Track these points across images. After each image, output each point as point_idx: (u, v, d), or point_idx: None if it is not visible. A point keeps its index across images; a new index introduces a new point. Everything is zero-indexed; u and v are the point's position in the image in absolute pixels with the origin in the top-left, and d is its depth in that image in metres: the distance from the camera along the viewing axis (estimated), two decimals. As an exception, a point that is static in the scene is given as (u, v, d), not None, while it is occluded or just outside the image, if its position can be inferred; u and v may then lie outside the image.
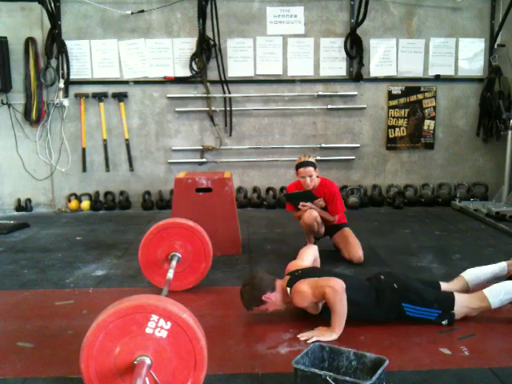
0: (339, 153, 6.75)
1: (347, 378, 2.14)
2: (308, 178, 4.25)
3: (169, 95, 6.59)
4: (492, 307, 2.95)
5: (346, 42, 6.49)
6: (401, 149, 6.83)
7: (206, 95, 6.56)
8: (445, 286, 3.18)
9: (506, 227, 5.26)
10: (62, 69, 6.43)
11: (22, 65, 6.42)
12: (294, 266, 3.27)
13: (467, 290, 3.17)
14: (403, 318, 2.98)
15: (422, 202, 6.65)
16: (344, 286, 2.82)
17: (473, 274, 3.25)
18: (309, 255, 3.44)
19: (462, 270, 4.01)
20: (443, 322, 2.94)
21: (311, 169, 4.24)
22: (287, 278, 3.11)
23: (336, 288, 2.80)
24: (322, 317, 2.98)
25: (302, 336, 2.86)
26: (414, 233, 5.32)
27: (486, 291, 2.98)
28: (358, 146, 6.76)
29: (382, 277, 3.12)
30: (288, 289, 3.02)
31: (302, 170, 4.25)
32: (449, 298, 2.99)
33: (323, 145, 6.68)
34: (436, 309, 2.94)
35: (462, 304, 2.97)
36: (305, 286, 2.93)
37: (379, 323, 3.08)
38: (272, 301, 3.02)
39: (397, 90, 6.70)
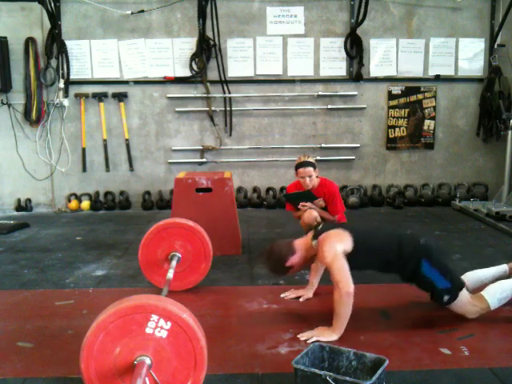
0: (339, 153, 6.75)
1: (347, 378, 2.14)
2: (307, 179, 4.25)
3: (169, 95, 6.59)
4: (491, 307, 2.96)
5: (345, 42, 6.49)
6: (401, 149, 6.83)
7: (206, 95, 6.56)
8: None
9: (506, 227, 5.26)
10: (62, 69, 6.43)
11: (22, 65, 6.43)
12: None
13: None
14: (416, 275, 2.96)
15: (421, 201, 6.65)
16: (351, 290, 2.79)
17: (473, 277, 3.25)
18: None
19: (462, 270, 4.01)
20: (445, 297, 2.94)
21: (311, 169, 4.24)
22: (311, 233, 3.12)
23: (347, 291, 2.79)
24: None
25: (302, 336, 2.86)
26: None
27: (484, 292, 3.01)
28: (358, 146, 6.76)
29: (409, 231, 3.18)
30: (314, 242, 3.03)
31: (301, 170, 4.26)
32: (461, 280, 3.02)
33: (323, 145, 6.68)
34: (448, 280, 2.93)
35: (465, 300, 2.97)
36: (329, 251, 2.88)
37: (379, 323, 3.09)
38: (297, 262, 3.03)
39: (397, 89, 6.70)
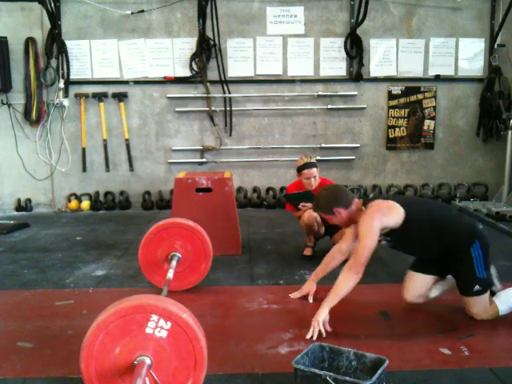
0: (339, 153, 6.75)
1: (347, 378, 2.14)
2: (312, 179, 4.26)
3: (169, 95, 6.59)
4: (500, 313, 2.99)
5: (345, 42, 6.49)
6: (401, 149, 6.83)
7: (206, 95, 6.56)
8: None
9: (506, 227, 5.26)
10: (62, 69, 6.43)
11: (22, 65, 6.43)
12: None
13: None
14: (462, 253, 2.95)
15: (422, 201, 6.64)
16: (360, 273, 2.84)
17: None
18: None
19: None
20: (476, 286, 2.94)
21: (315, 170, 4.26)
22: (360, 200, 3.11)
23: (353, 269, 2.84)
24: None
25: (309, 335, 2.84)
26: (414, 233, 5.31)
27: (495, 298, 3.03)
28: (358, 146, 6.76)
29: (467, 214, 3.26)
30: (363, 208, 3.04)
31: (306, 171, 4.26)
32: (494, 280, 3.07)
33: (323, 145, 6.69)
34: (486, 272, 2.95)
35: (486, 298, 2.99)
36: (367, 225, 2.88)
37: (379, 323, 3.09)
38: (340, 216, 3.06)
39: (397, 89, 6.70)
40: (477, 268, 2.95)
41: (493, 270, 3.17)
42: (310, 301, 3.40)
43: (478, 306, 3.01)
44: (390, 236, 3.02)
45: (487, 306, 3.01)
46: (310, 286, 3.47)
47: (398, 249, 3.22)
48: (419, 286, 3.20)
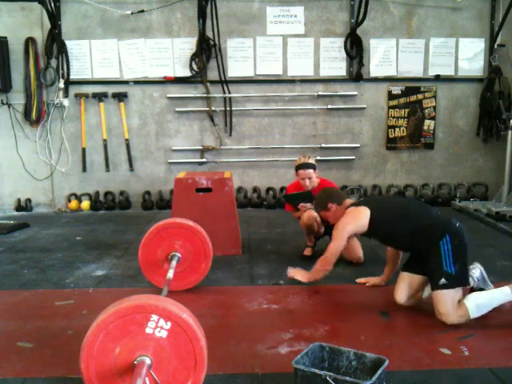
0: (339, 153, 6.75)
1: (347, 378, 2.14)
2: (307, 180, 4.26)
3: (169, 95, 6.59)
4: (471, 316, 2.93)
5: (345, 42, 6.49)
6: (401, 149, 6.83)
7: (206, 95, 6.56)
8: None
9: (506, 227, 5.26)
10: (62, 69, 6.43)
11: (22, 65, 6.43)
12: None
13: None
14: (431, 245, 3.04)
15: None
16: (330, 268, 3.43)
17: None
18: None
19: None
20: (442, 280, 2.95)
21: (311, 171, 4.26)
22: (350, 201, 3.57)
23: (327, 264, 3.40)
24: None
25: (289, 273, 3.66)
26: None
27: (465, 299, 2.99)
28: (358, 146, 6.76)
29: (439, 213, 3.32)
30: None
31: (301, 171, 4.27)
32: (467, 281, 3.08)
33: (323, 145, 6.68)
34: (455, 267, 2.97)
35: (455, 296, 2.96)
36: (340, 228, 3.35)
37: (379, 323, 3.09)
38: (333, 211, 3.53)
39: (397, 89, 6.70)
40: (444, 261, 2.97)
41: (477, 271, 3.22)
42: (367, 284, 3.71)
43: (445, 303, 2.94)
44: (366, 235, 3.40)
45: (455, 305, 2.94)
46: (377, 280, 3.71)
47: (383, 243, 3.54)
48: (408, 286, 3.22)
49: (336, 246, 3.37)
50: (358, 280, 3.77)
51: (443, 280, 2.95)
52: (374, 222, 3.26)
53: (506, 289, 3.01)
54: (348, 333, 2.85)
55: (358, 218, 3.31)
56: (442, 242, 3.00)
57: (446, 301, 2.95)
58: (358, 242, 4.33)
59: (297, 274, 3.64)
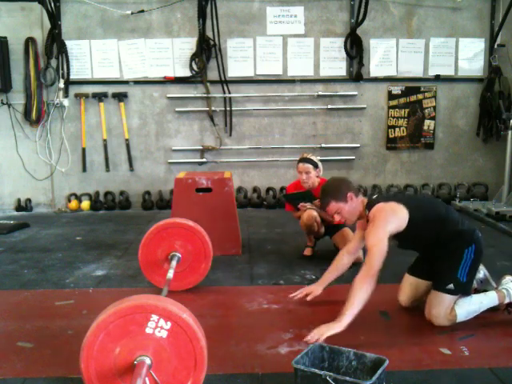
0: (339, 153, 6.75)
1: (347, 378, 2.14)
2: (304, 175, 4.26)
3: (169, 95, 6.59)
4: (458, 318, 2.92)
5: (345, 42, 6.49)
6: (401, 149, 6.83)
7: (206, 95, 6.56)
8: None
9: (506, 227, 5.26)
10: (62, 69, 6.43)
11: (22, 65, 6.43)
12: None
13: None
14: (455, 251, 2.92)
15: (422, 201, 6.64)
16: (377, 271, 2.71)
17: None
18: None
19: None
20: (450, 285, 2.88)
21: (309, 166, 4.25)
22: (365, 199, 3.09)
23: (370, 277, 2.69)
24: None
25: (308, 339, 2.61)
26: (414, 233, 5.31)
27: (457, 306, 2.95)
28: (358, 146, 6.76)
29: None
30: (366, 211, 2.99)
31: (300, 165, 4.29)
32: (470, 291, 3.00)
33: (323, 145, 6.69)
34: (467, 277, 2.91)
35: (453, 302, 2.92)
36: (375, 234, 2.80)
37: (379, 323, 3.09)
38: (352, 204, 3.01)
39: (397, 89, 6.70)
40: (461, 268, 2.90)
41: (480, 273, 3.16)
42: (308, 299, 3.26)
43: (441, 306, 2.91)
44: (395, 237, 2.97)
45: (449, 310, 2.93)
46: (313, 288, 3.32)
47: (402, 247, 3.16)
48: (414, 290, 3.20)
49: (376, 253, 2.74)
50: (292, 296, 3.30)
51: (451, 285, 2.90)
52: (410, 223, 2.89)
53: (492, 293, 3.03)
54: (348, 333, 2.85)
55: (396, 216, 2.86)
56: (468, 250, 2.91)
57: (443, 304, 2.93)
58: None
59: (323, 330, 2.65)
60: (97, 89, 6.55)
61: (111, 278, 4.00)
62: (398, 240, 3.01)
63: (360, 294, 2.68)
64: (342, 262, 3.32)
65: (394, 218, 2.87)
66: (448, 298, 2.92)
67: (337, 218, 3.11)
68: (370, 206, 2.99)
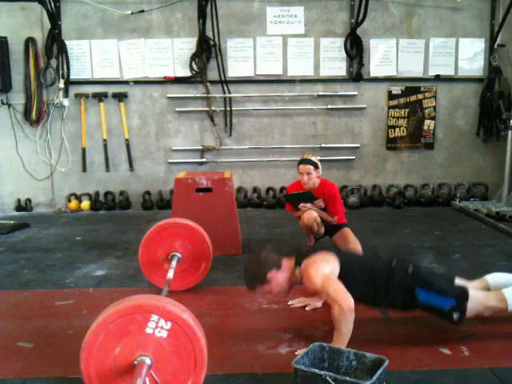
0: (339, 153, 6.75)
1: (347, 378, 2.14)
2: (306, 176, 4.25)
3: (169, 95, 6.59)
4: (509, 309, 2.74)
5: (345, 42, 6.49)
6: (401, 149, 6.83)
7: (205, 95, 6.56)
8: (463, 283, 2.92)
9: (506, 227, 5.26)
10: (62, 69, 6.43)
11: (22, 65, 6.42)
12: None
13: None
14: (413, 304, 2.77)
15: (421, 202, 6.65)
16: (353, 307, 2.61)
17: (497, 277, 3.00)
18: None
19: (462, 270, 4.03)
20: (454, 315, 2.71)
21: (310, 167, 4.25)
22: (293, 257, 2.91)
23: (344, 310, 2.59)
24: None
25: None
26: (414, 233, 5.32)
27: (506, 291, 2.78)
28: (358, 146, 6.76)
29: (395, 262, 2.87)
30: (297, 268, 2.84)
31: (301, 166, 4.28)
32: (463, 290, 2.77)
33: (323, 145, 6.68)
34: (450, 297, 2.72)
35: (478, 301, 2.75)
36: (316, 276, 2.70)
37: (379, 323, 3.09)
38: (277, 280, 2.82)
39: (397, 90, 6.70)
40: (441, 305, 2.73)
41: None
42: (307, 309, 3.28)
43: (477, 312, 2.78)
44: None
45: (485, 304, 2.76)
46: (313, 300, 3.33)
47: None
48: None
49: (332, 287, 2.66)
50: (290, 303, 3.35)
51: (455, 315, 2.73)
52: (343, 272, 2.78)
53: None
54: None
55: (328, 259, 2.80)
56: (420, 297, 2.74)
57: (479, 309, 2.77)
58: (358, 242, 4.33)
59: None
60: (97, 89, 6.55)
61: (111, 278, 4.01)
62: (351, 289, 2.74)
63: (346, 327, 2.62)
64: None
65: (325, 260, 2.79)
66: (468, 314, 2.75)
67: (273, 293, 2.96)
68: (299, 261, 2.87)
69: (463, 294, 2.76)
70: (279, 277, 2.84)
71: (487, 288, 2.97)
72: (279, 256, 2.91)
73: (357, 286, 2.74)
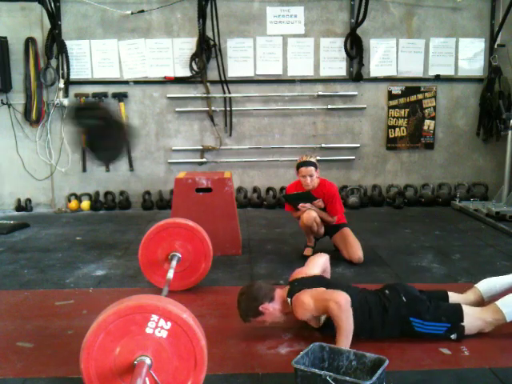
0: (339, 153, 6.75)
1: (347, 378, 2.14)
2: (308, 178, 4.25)
3: (169, 95, 6.59)
4: (507, 319, 2.77)
5: (345, 42, 6.49)
6: (401, 149, 6.83)
7: (205, 95, 6.56)
8: (456, 297, 2.99)
9: (506, 227, 5.26)
10: (62, 69, 6.43)
11: (22, 65, 6.42)
12: (299, 273, 3.07)
13: (482, 302, 2.98)
14: (409, 333, 2.82)
15: (421, 201, 6.65)
16: (349, 300, 2.64)
17: (487, 285, 3.03)
18: (317, 265, 3.19)
19: (462, 270, 4.03)
20: (452, 337, 2.79)
21: (312, 168, 4.25)
22: (287, 287, 2.93)
23: (341, 303, 2.60)
24: (324, 331, 2.85)
25: None
26: (414, 233, 5.32)
27: (499, 302, 2.81)
28: (358, 146, 6.76)
29: (387, 291, 2.92)
30: (288, 299, 2.85)
31: (303, 169, 4.26)
32: (457, 310, 2.82)
33: (323, 145, 6.68)
34: (444, 322, 2.79)
35: (475, 316, 2.81)
36: (307, 298, 2.75)
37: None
38: (270, 312, 2.83)
39: (397, 90, 6.70)
40: (437, 331, 2.80)
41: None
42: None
43: (478, 328, 2.82)
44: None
45: (480, 320, 2.80)
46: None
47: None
48: None
49: (327, 302, 2.65)
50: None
51: (453, 336, 2.80)
52: None
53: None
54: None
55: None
56: (415, 327, 2.80)
57: (472, 330, 2.82)
58: (358, 242, 4.34)
59: None
60: (97, 89, 6.55)
61: (111, 278, 4.01)
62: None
63: (347, 322, 2.63)
64: None
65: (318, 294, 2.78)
66: (472, 327, 2.80)
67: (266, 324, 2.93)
68: (291, 292, 2.86)
69: (456, 313, 2.81)
70: (272, 309, 2.85)
71: (480, 298, 3.01)
72: (272, 287, 2.92)
73: (354, 324, 2.70)
